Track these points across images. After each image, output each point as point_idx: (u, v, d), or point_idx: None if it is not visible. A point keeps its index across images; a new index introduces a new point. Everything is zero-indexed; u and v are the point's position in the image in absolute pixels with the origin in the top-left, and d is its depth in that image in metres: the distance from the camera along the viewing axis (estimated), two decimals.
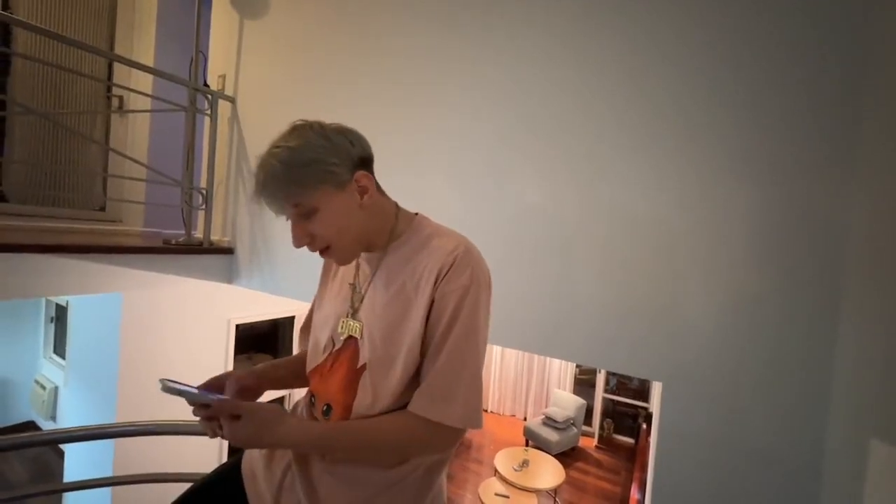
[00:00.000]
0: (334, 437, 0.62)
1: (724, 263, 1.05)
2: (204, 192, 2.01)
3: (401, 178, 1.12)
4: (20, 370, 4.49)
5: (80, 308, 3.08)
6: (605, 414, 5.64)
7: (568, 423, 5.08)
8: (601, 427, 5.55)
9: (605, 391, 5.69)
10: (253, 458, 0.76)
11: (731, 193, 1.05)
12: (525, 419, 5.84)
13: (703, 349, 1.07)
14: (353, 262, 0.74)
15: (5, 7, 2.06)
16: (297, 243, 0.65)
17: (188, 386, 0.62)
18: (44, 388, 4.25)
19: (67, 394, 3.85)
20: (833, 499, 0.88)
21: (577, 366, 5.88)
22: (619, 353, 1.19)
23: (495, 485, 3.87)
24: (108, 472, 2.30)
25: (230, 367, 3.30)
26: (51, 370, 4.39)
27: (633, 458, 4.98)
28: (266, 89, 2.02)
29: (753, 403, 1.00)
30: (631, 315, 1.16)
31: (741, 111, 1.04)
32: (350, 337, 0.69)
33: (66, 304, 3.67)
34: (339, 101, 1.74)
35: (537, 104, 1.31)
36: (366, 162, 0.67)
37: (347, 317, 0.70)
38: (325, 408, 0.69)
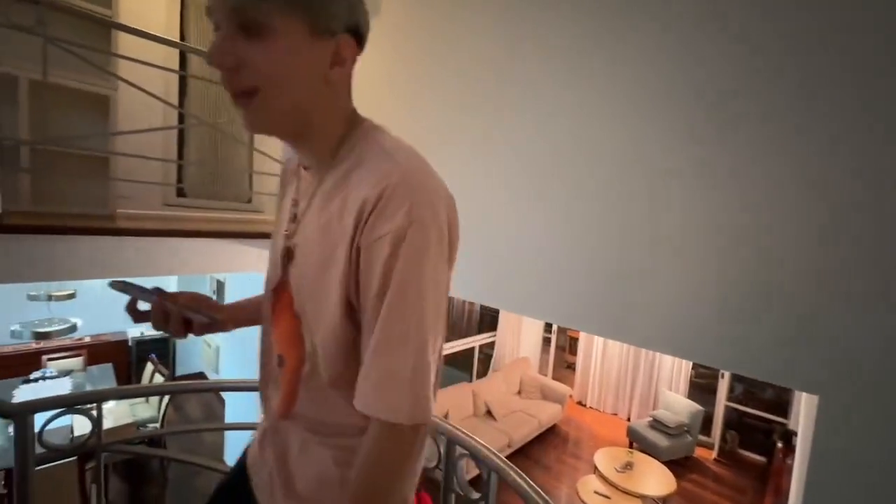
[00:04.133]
0: None
1: None
2: None
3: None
4: None
5: (234, 283, 3.74)
6: (729, 425, 4.96)
7: (681, 430, 4.60)
8: (723, 439, 4.91)
9: (729, 399, 5.00)
10: (252, 448, 0.69)
11: None
12: (629, 419, 5.46)
13: (878, 357, 0.86)
14: (298, 173, 0.60)
15: (182, 39, 2.53)
16: (216, 59, 0.46)
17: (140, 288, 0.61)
18: (210, 346, 5.28)
19: (226, 351, 4.73)
20: None
21: (694, 367, 5.26)
22: (757, 356, 1.03)
23: (595, 483, 3.71)
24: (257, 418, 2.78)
25: None
26: None
27: (765, 478, 4.32)
28: (376, 85, 2.16)
29: None
30: (776, 310, 0.99)
31: None
32: (285, 274, 0.56)
33: (224, 279, 4.48)
34: (448, 98, 1.78)
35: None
36: (357, 32, 0.52)
37: (284, 246, 0.56)
38: (278, 359, 0.60)
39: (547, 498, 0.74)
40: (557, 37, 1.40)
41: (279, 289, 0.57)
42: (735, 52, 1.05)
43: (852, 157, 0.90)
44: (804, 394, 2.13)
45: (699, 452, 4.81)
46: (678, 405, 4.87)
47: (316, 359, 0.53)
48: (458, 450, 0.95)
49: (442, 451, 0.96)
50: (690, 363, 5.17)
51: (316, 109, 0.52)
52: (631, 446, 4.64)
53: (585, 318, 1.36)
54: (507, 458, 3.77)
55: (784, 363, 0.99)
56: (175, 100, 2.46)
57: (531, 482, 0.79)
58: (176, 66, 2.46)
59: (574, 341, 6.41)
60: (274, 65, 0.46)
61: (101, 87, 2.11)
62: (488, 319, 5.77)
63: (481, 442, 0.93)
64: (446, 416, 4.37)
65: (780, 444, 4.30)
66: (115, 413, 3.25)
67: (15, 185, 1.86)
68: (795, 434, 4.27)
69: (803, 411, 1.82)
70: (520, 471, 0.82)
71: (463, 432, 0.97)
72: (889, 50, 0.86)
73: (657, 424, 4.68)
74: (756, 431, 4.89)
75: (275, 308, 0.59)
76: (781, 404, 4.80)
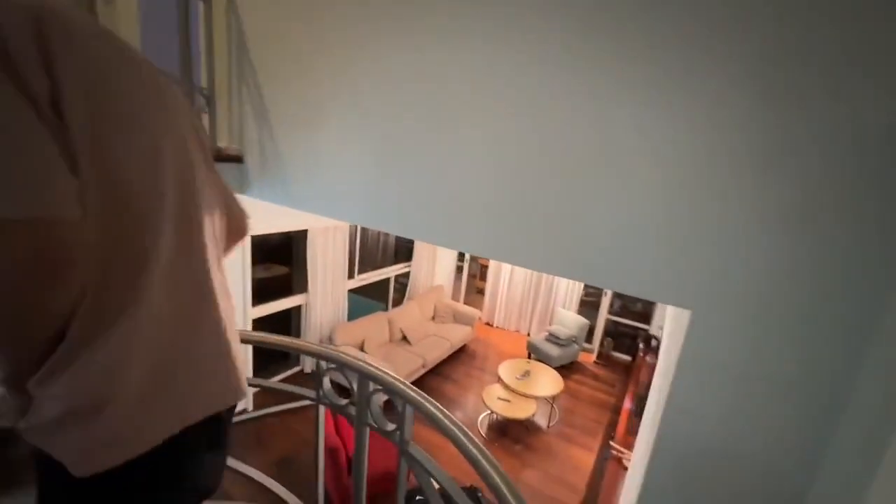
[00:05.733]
0: None
1: (773, 189, 0.95)
2: (206, 93, 1.86)
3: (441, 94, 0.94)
4: None
5: None
6: (607, 333, 5.89)
7: (570, 341, 5.34)
8: (601, 344, 5.84)
9: (609, 312, 5.87)
10: None
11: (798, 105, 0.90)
12: (529, 335, 6.15)
13: (741, 281, 1.01)
14: None
15: None
16: None
17: None
18: None
19: None
20: (852, 433, 0.89)
21: (585, 287, 6.00)
22: (643, 277, 1.15)
23: (498, 390, 4.20)
24: None
25: (248, 276, 3.41)
26: None
27: (629, 373, 5.32)
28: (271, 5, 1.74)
29: (785, 339, 0.98)
30: (659, 237, 1.10)
31: None
32: None
33: None
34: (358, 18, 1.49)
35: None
36: None
37: None
38: None
39: (459, 423, 0.77)
40: None
41: None
42: None
43: (750, 82, 0.95)
44: (668, 306, 2.55)
45: (582, 357, 5.69)
46: (569, 320, 5.60)
47: None
48: (371, 385, 0.94)
49: (355, 386, 0.94)
50: (582, 284, 5.89)
51: None
52: (529, 357, 5.29)
53: (492, 247, 1.39)
54: (421, 377, 3.98)
55: (666, 283, 1.12)
56: None
57: (446, 411, 0.81)
58: None
59: (484, 269, 6.81)
60: None
61: None
62: (404, 251, 5.78)
63: (394, 375, 0.92)
64: (362, 345, 4.45)
65: (641, 346, 5.28)
66: None
67: None
68: (654, 337, 5.25)
69: (667, 320, 2.21)
70: (434, 401, 0.83)
71: (374, 367, 0.95)
72: None
73: (551, 338, 5.36)
74: (626, 337, 5.91)
75: None
76: (646, 314, 5.82)
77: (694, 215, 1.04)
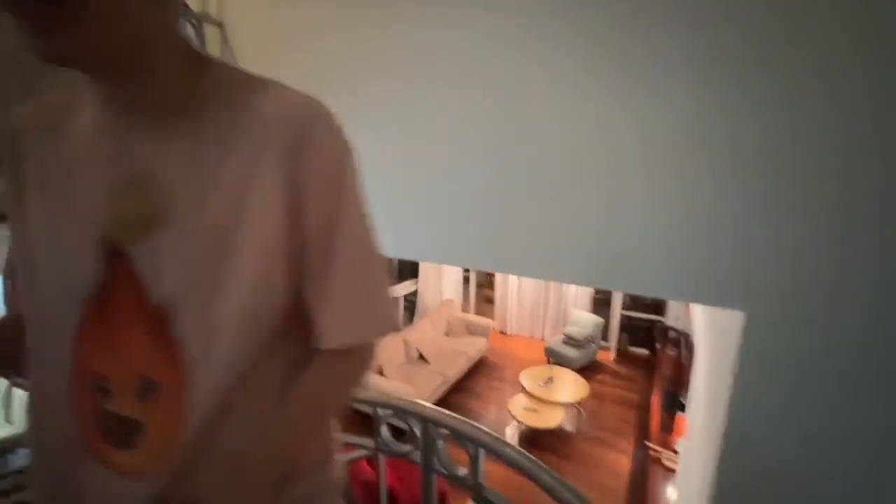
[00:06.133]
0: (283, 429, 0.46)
1: (813, 179, 0.93)
2: None
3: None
4: None
5: None
6: (622, 329, 5.84)
7: (587, 341, 5.29)
8: (618, 341, 5.78)
9: (622, 308, 5.83)
10: None
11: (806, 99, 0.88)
12: (543, 339, 6.09)
13: (795, 276, 0.98)
14: (86, 128, 0.44)
15: None
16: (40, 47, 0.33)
17: None
18: None
19: None
20: None
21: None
22: (689, 283, 1.12)
23: (523, 400, 4.13)
24: None
25: None
26: None
27: (650, 367, 5.25)
28: (261, 10, 1.73)
29: (855, 332, 0.94)
30: (704, 240, 1.07)
31: None
32: (120, 264, 0.42)
33: None
34: (351, 19, 1.48)
35: None
36: None
37: (130, 229, 0.42)
38: (143, 386, 0.43)
39: (546, 467, 0.72)
40: None
41: (106, 294, 0.43)
42: None
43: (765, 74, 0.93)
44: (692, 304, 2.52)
45: (601, 356, 5.63)
46: (584, 319, 5.54)
47: (216, 361, 0.43)
48: (437, 428, 0.89)
49: (417, 433, 0.89)
50: None
51: (149, 29, 0.40)
52: (548, 362, 5.22)
53: (515, 262, 1.36)
54: (443, 395, 3.85)
55: (716, 286, 1.09)
56: None
57: (525, 453, 0.76)
58: None
59: (491, 277, 6.76)
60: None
61: None
62: (408, 267, 5.73)
63: (459, 417, 0.87)
64: (381, 370, 4.37)
65: (660, 339, 5.23)
66: None
67: None
68: (671, 329, 5.21)
69: (698, 319, 2.17)
70: (513, 444, 0.78)
71: (437, 409, 0.91)
72: None
73: (569, 340, 5.30)
74: (640, 330, 5.85)
75: (106, 313, 0.44)
76: (658, 306, 5.77)
77: (738, 213, 1.01)
